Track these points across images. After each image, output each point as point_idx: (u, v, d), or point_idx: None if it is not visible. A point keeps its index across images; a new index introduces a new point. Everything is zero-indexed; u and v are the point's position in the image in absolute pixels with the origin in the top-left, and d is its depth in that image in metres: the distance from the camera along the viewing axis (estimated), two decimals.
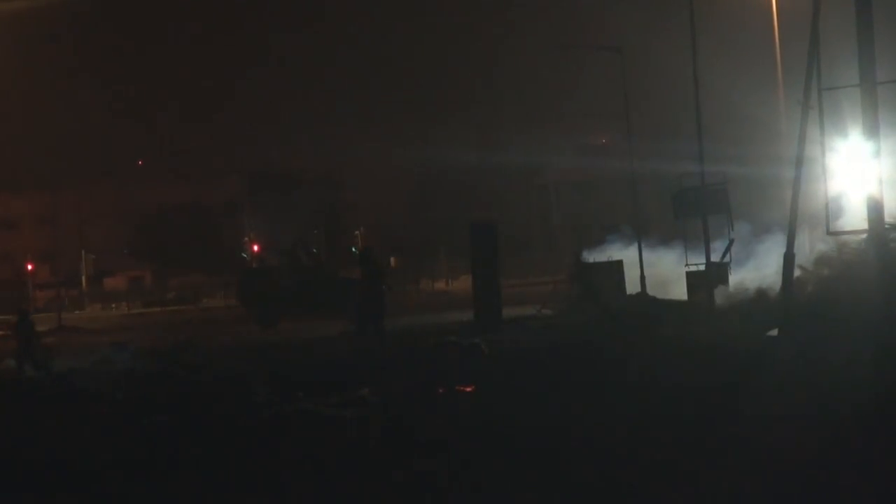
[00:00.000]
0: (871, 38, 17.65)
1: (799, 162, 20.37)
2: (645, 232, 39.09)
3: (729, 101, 46.17)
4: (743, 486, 10.24)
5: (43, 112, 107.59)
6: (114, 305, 75.90)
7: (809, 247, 24.47)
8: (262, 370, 21.52)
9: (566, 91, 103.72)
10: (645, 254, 36.63)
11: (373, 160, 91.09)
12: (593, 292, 31.19)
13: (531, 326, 29.44)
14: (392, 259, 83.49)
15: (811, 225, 24.74)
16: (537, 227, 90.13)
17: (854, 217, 19.51)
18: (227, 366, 22.97)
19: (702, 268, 30.17)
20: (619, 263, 34.99)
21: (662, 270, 34.03)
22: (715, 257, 30.08)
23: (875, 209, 17.99)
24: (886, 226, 18.32)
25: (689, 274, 31.21)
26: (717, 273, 29.62)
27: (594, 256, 36.39)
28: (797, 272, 20.94)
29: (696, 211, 30.53)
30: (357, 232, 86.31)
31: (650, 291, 32.61)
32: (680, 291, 31.12)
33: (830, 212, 20.15)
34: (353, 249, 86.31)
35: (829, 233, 20.31)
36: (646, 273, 34.93)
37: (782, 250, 20.53)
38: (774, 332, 19.62)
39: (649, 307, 28.66)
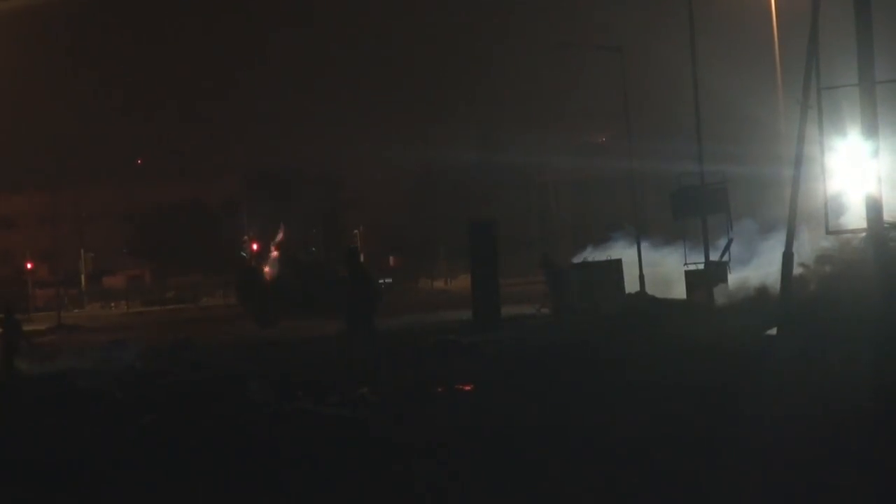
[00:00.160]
0: (870, 38, 17.64)
1: (798, 161, 20.37)
2: (646, 231, 39.12)
3: (728, 101, 46.21)
4: (743, 486, 10.24)
5: (42, 111, 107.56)
6: (113, 304, 75.91)
7: (809, 246, 24.47)
8: (261, 369, 21.54)
9: (566, 90, 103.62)
10: (647, 253, 36.64)
11: (372, 159, 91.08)
12: (562, 292, 31.22)
13: (530, 325, 29.48)
14: (391, 258, 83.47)
15: (812, 224, 24.74)
16: (537, 227, 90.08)
17: (856, 215, 19.51)
18: (226, 365, 23.00)
19: (701, 267, 30.20)
20: (618, 262, 35.00)
21: (665, 270, 34.02)
22: (715, 256, 30.11)
23: (874, 208, 17.98)
24: (886, 225, 18.31)
25: (688, 273, 31.24)
26: (716, 272, 29.65)
27: (594, 255, 36.42)
28: (799, 270, 20.95)
29: (695, 210, 30.55)
30: (356, 231, 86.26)
31: (652, 291, 32.62)
32: (681, 291, 31.15)
33: (830, 211, 20.16)
34: (353, 248, 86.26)
35: (829, 232, 20.32)
36: (648, 272, 34.95)
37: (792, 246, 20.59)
38: (774, 332, 19.63)
39: (648, 306, 28.68)
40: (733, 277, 29.90)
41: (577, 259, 37.69)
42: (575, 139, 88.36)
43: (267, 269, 43.37)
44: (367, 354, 22.73)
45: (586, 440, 12.60)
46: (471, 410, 15.19)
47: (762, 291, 25.61)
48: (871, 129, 17.88)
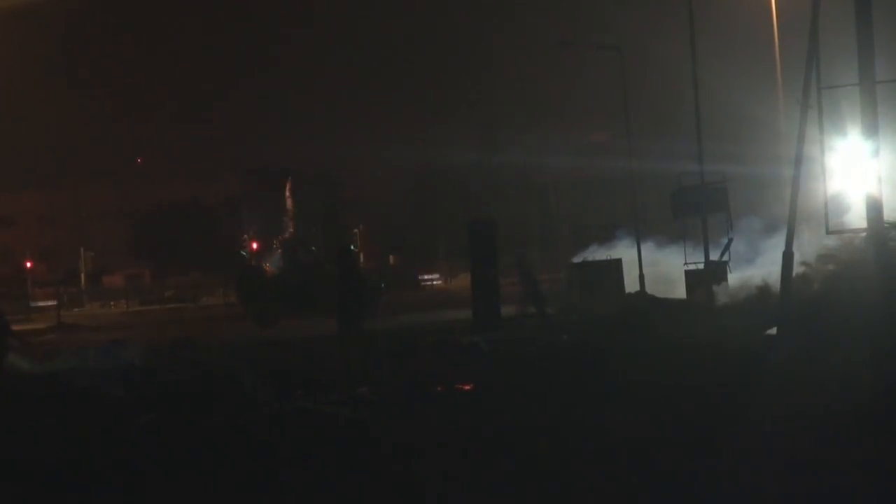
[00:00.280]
0: (870, 37, 17.61)
1: (798, 161, 20.37)
2: (651, 230, 39.12)
3: (728, 101, 46.20)
4: (743, 486, 10.23)
5: (42, 110, 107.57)
6: (112, 303, 75.91)
7: (810, 245, 24.46)
8: (261, 368, 21.53)
9: (565, 90, 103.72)
10: (651, 252, 36.65)
11: (372, 158, 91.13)
12: (535, 293, 31.16)
13: (530, 325, 29.46)
14: (391, 257, 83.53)
15: (812, 223, 24.73)
16: (536, 226, 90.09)
17: (859, 215, 19.49)
18: (226, 364, 22.98)
19: (701, 266, 30.21)
20: (618, 262, 35.02)
21: (666, 269, 34.01)
22: (716, 256, 30.13)
23: (874, 208, 17.96)
24: (886, 225, 18.30)
25: (688, 273, 31.24)
26: (716, 271, 29.67)
27: (597, 254, 36.44)
28: (802, 268, 20.95)
29: (695, 210, 30.55)
30: (356, 230, 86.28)
31: (654, 290, 32.62)
32: (683, 290, 31.17)
33: (832, 210, 20.16)
34: (353, 247, 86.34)
35: (829, 232, 20.31)
36: (650, 271, 34.94)
37: (795, 247, 20.60)
38: (774, 331, 19.63)
39: (647, 306, 28.68)
40: (736, 276, 29.93)
41: (577, 258, 37.71)
42: (574, 138, 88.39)
43: (268, 266, 43.32)
44: (358, 355, 22.74)
45: (586, 440, 12.59)
46: (470, 410, 15.18)
47: (764, 290, 25.60)
48: (871, 129, 17.85)
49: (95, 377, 21.06)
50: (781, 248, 20.59)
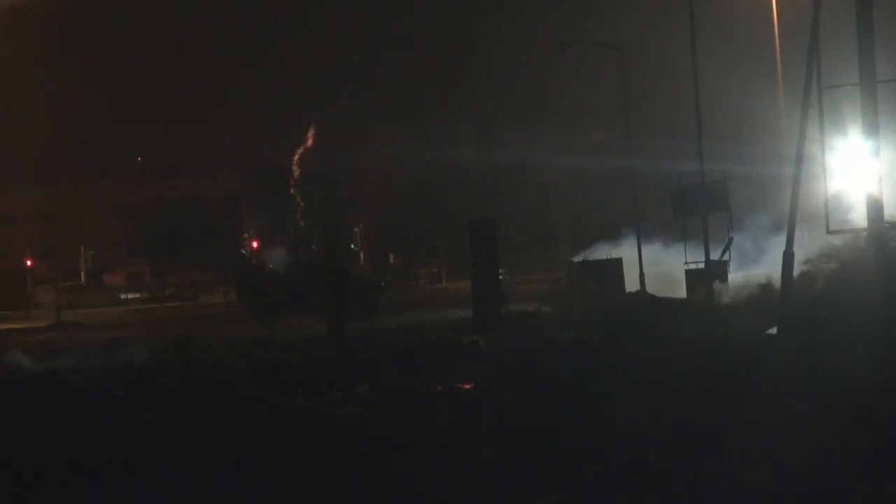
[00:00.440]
0: (871, 37, 17.62)
1: (799, 160, 20.36)
2: (654, 230, 39.09)
3: (729, 100, 46.16)
4: (743, 486, 10.22)
5: (42, 108, 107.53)
6: (123, 296, 75.89)
7: (810, 244, 24.45)
8: (261, 367, 21.52)
9: (565, 89, 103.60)
10: (658, 252, 36.61)
11: (372, 158, 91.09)
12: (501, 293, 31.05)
13: (530, 324, 29.46)
14: (391, 256, 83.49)
15: (812, 223, 24.72)
16: (536, 225, 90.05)
17: (861, 214, 19.48)
18: (226, 362, 22.98)
19: (701, 266, 30.19)
20: (618, 262, 34.99)
21: (669, 268, 33.94)
22: (717, 255, 30.13)
23: (875, 208, 17.97)
24: (886, 224, 18.30)
25: (688, 272, 31.23)
26: (716, 271, 29.64)
27: (598, 253, 36.41)
28: (806, 267, 20.94)
29: (695, 210, 30.53)
30: (356, 229, 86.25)
31: (656, 290, 32.58)
32: (684, 290, 31.14)
33: (835, 209, 20.16)
34: (353, 246, 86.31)
35: (830, 231, 20.31)
36: (652, 271, 34.91)
37: (798, 245, 20.59)
38: (774, 331, 19.61)
39: (647, 306, 28.67)
40: (741, 275, 29.92)
41: (577, 257, 37.68)
42: (573, 138, 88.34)
43: (270, 265, 43.24)
44: (342, 355, 22.80)
45: (585, 440, 12.58)
46: (470, 409, 15.18)
47: (766, 289, 25.58)
48: (871, 129, 17.87)
49: (95, 376, 21.07)
50: (796, 245, 20.58)
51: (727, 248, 30.80)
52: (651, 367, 16.86)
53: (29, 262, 77.34)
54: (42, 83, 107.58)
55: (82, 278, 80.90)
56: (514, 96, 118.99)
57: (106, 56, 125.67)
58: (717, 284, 29.25)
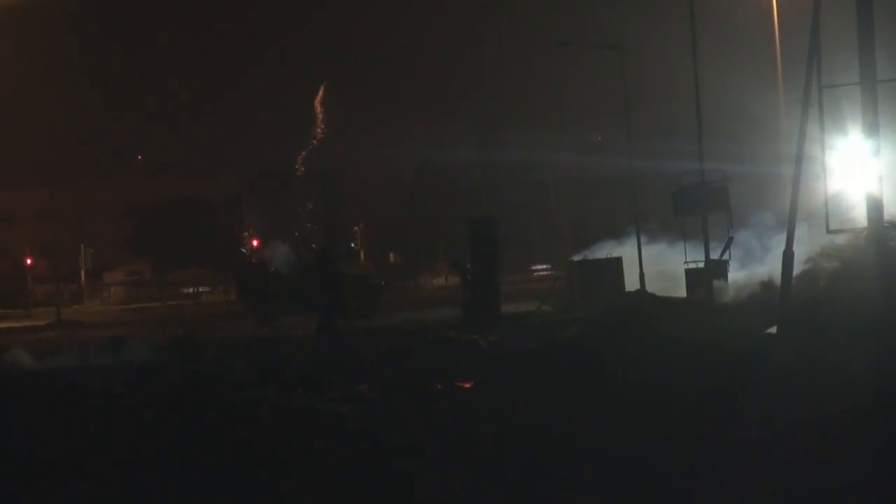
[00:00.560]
0: (871, 36, 17.62)
1: (799, 160, 20.36)
2: (656, 229, 39.13)
3: (729, 99, 46.16)
4: (742, 486, 10.22)
5: (42, 107, 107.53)
6: (125, 287, 75.96)
7: (810, 243, 24.47)
8: (261, 365, 21.53)
9: (565, 89, 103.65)
10: (663, 251, 36.65)
11: (372, 156, 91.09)
12: (471, 293, 30.91)
13: (530, 323, 29.48)
14: (391, 255, 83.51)
15: (812, 222, 24.75)
16: (536, 224, 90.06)
17: (861, 213, 19.50)
18: (226, 361, 22.99)
19: (701, 265, 30.22)
20: (618, 260, 35.03)
21: (672, 267, 33.96)
22: (733, 254, 30.20)
23: (875, 207, 17.98)
24: (886, 224, 18.31)
25: (688, 271, 31.26)
26: (716, 270, 29.67)
27: (596, 253, 36.42)
28: (808, 265, 20.95)
29: (695, 209, 30.55)
30: (356, 228, 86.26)
31: (657, 289, 32.59)
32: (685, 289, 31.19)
33: (832, 209, 20.17)
34: (353, 245, 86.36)
35: (829, 231, 20.32)
36: (654, 270, 34.95)
37: (800, 243, 20.60)
38: (773, 330, 19.62)
39: (646, 305, 28.69)
40: (744, 273, 29.94)
41: (577, 256, 37.71)
42: (575, 138, 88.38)
43: (273, 263, 43.25)
44: (332, 355, 22.81)
45: (584, 439, 12.58)
46: (470, 408, 15.18)
47: (768, 288, 25.58)
48: (871, 128, 17.87)
49: (95, 374, 21.07)
50: (797, 243, 20.59)
51: (727, 247, 30.83)
52: (651, 367, 16.86)
53: (29, 261, 77.35)
54: (42, 81, 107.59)
55: (82, 277, 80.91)
56: (514, 96, 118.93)
57: (106, 54, 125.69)
58: (717, 283, 29.27)
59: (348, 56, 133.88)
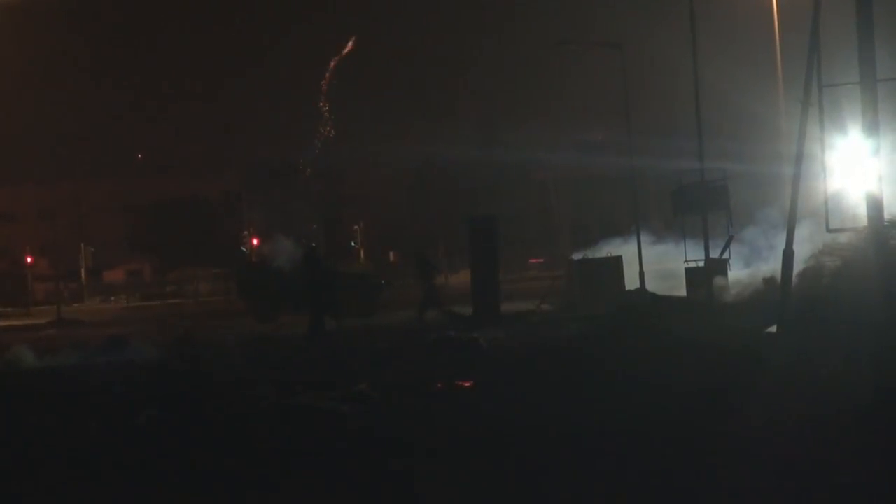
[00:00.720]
0: (871, 36, 17.60)
1: (799, 159, 20.37)
2: (662, 228, 39.12)
3: (729, 98, 46.20)
4: (741, 486, 10.23)
5: (42, 106, 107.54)
6: (113, 298, 76.01)
7: (811, 241, 24.46)
8: (261, 364, 21.55)
9: (565, 87, 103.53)
10: (664, 250, 36.63)
11: (372, 155, 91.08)
12: (430, 293, 30.77)
13: (530, 322, 29.50)
14: (391, 253, 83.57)
15: (812, 220, 24.74)
16: (536, 223, 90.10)
17: (861, 212, 19.49)
18: (226, 360, 23.01)
19: (701, 264, 30.21)
20: (618, 259, 35.01)
21: (678, 266, 33.93)
22: (733, 252, 30.18)
23: (874, 207, 17.97)
24: (885, 223, 18.30)
25: (688, 270, 31.25)
26: (716, 269, 29.66)
27: (598, 252, 36.40)
28: (811, 262, 20.95)
29: (695, 208, 30.54)
30: (356, 227, 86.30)
31: (658, 288, 32.58)
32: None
33: (834, 208, 20.18)
34: (353, 243, 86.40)
35: (829, 230, 20.32)
36: (657, 269, 34.93)
37: (801, 242, 20.58)
38: (773, 329, 19.63)
39: (647, 304, 28.68)
40: (748, 271, 29.92)
41: (577, 255, 37.71)
42: (575, 136, 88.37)
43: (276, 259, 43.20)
44: (319, 354, 22.82)
45: (585, 438, 12.59)
46: (470, 407, 15.19)
47: (770, 285, 25.56)
48: (871, 127, 17.85)
49: (95, 373, 21.09)
50: (800, 240, 20.58)
51: (727, 246, 30.83)
52: (650, 366, 16.88)
53: (29, 259, 77.41)
54: (43, 80, 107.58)
55: (82, 275, 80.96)
56: (514, 94, 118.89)
57: (106, 53, 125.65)
58: (717, 282, 29.27)
59: (348, 54, 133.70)
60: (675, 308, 26.84)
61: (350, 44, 45.11)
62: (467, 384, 17.13)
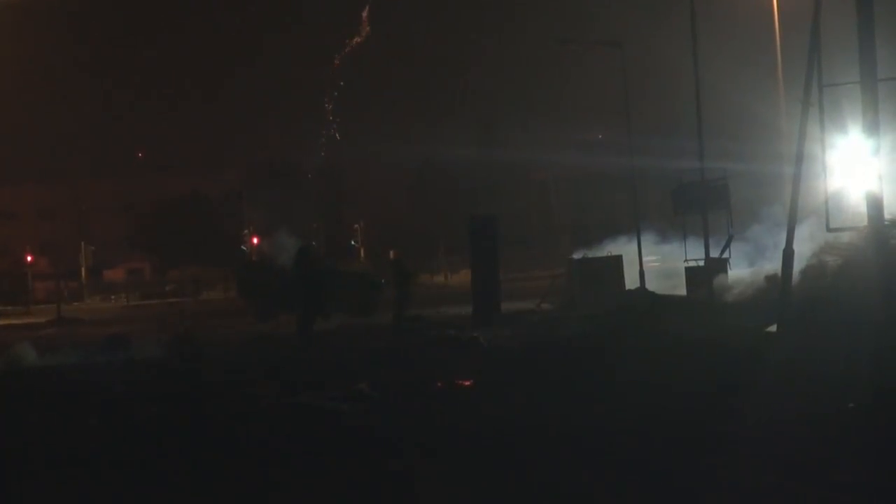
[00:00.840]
0: (871, 35, 17.61)
1: (799, 159, 20.38)
2: (665, 227, 39.09)
3: (730, 98, 46.19)
4: (741, 486, 10.23)
5: (43, 104, 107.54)
6: (113, 297, 76.01)
7: (811, 238, 24.46)
8: (261, 363, 21.56)
9: (565, 86, 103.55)
10: (669, 249, 36.63)
11: (373, 153, 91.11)
12: (402, 293, 30.61)
13: (530, 321, 29.49)
14: (392, 252, 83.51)
15: (812, 220, 24.75)
16: (536, 222, 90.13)
17: (862, 211, 19.50)
18: (226, 358, 23.02)
19: (701, 263, 30.21)
20: (618, 258, 35.01)
21: (680, 265, 33.91)
22: (737, 251, 30.17)
23: (875, 206, 17.98)
24: (886, 222, 18.30)
25: (688, 269, 31.25)
26: (716, 268, 29.66)
27: (603, 251, 36.39)
28: (814, 260, 20.95)
29: (695, 207, 30.54)
30: (357, 226, 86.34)
31: (666, 287, 32.56)
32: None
33: (835, 207, 20.19)
34: (353, 243, 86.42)
35: (830, 229, 20.32)
36: (663, 268, 34.92)
37: (804, 240, 20.59)
38: (773, 329, 19.63)
39: (647, 303, 28.69)
40: (751, 270, 29.91)
41: (577, 254, 37.69)
42: (575, 135, 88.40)
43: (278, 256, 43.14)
44: (308, 354, 22.81)
45: (584, 438, 12.59)
46: (470, 406, 15.19)
47: (773, 282, 25.55)
48: (872, 127, 17.85)
49: (95, 372, 21.10)
50: (797, 241, 20.57)
51: (727, 245, 30.82)
52: (650, 365, 16.88)
53: (29, 258, 77.42)
54: (43, 79, 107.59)
55: (82, 274, 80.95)
56: (514, 93, 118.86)
57: (106, 51, 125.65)
58: (717, 281, 29.27)
59: (348, 53, 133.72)
60: (674, 307, 26.84)
61: (364, 27, 45.16)
62: (467, 383, 17.14)
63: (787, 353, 16.97)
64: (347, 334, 28.44)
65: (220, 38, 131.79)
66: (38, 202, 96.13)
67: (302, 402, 15.51)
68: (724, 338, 19.86)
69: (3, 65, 73.27)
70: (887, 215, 18.44)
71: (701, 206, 29.99)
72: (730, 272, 30.38)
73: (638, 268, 34.77)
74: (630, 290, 32.97)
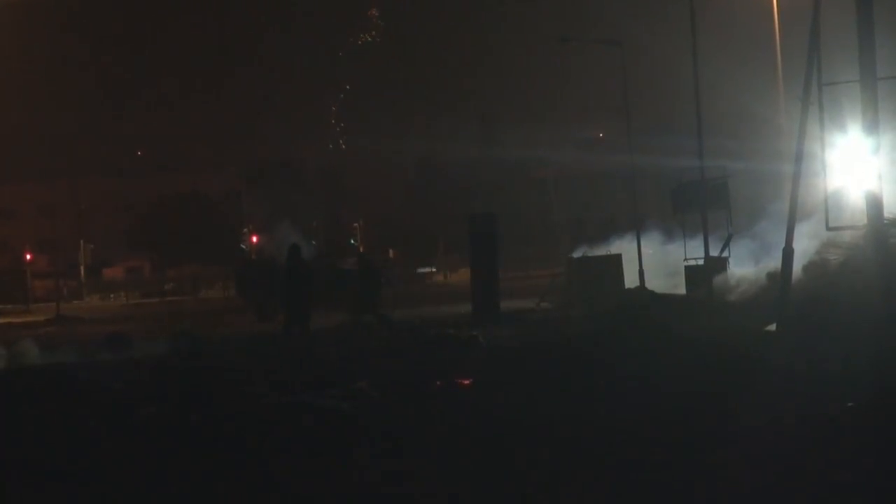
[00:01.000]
0: (871, 34, 17.62)
1: (799, 157, 20.37)
2: (658, 225, 39.13)
3: (729, 97, 46.20)
4: (740, 485, 10.22)
5: (42, 103, 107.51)
6: (112, 296, 76.04)
7: (812, 236, 24.47)
8: (260, 361, 21.54)
9: (565, 85, 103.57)
10: (673, 248, 36.64)
11: (373, 152, 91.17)
12: (368, 296, 30.46)
13: (530, 319, 29.50)
14: (391, 251, 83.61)
15: (813, 219, 24.75)
16: (536, 221, 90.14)
17: (861, 210, 19.50)
18: (226, 357, 23.00)
19: (701, 262, 30.22)
20: (618, 257, 35.03)
21: (676, 264, 33.91)
22: (737, 250, 30.16)
23: (874, 205, 17.99)
24: (885, 221, 18.31)
25: (687, 268, 31.26)
26: (716, 267, 29.67)
27: (608, 249, 36.40)
28: (816, 258, 20.96)
29: (695, 205, 30.54)
30: (356, 224, 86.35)
31: (668, 286, 32.56)
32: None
33: (835, 206, 20.20)
34: (353, 241, 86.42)
35: (829, 228, 20.33)
36: (665, 267, 34.92)
37: (806, 238, 20.60)
38: (773, 327, 19.63)
39: (646, 302, 28.70)
40: (754, 269, 29.93)
41: (576, 253, 37.72)
42: (573, 134, 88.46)
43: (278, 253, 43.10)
44: (300, 353, 22.78)
45: (584, 438, 12.58)
46: (470, 405, 15.17)
47: (774, 279, 25.55)
48: (871, 126, 17.87)
49: (95, 370, 21.08)
50: (800, 240, 20.58)
51: (727, 244, 30.84)
52: (649, 365, 16.85)
53: (28, 256, 77.44)
54: (43, 77, 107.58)
55: (82, 272, 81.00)
56: (514, 92, 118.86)
57: (107, 50, 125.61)
58: (717, 280, 29.28)
59: (348, 52, 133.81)
60: (673, 306, 26.85)
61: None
62: (466, 382, 17.12)
63: (787, 353, 16.96)
64: (347, 333, 28.39)
65: (221, 36, 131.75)
66: (38, 200, 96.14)
67: (301, 400, 15.49)
68: (724, 337, 19.85)
69: (4, 64, 73.24)
70: (887, 214, 18.45)
71: (700, 204, 30.00)
72: (734, 270, 30.39)
73: (637, 267, 34.82)
74: (630, 289, 32.99)
